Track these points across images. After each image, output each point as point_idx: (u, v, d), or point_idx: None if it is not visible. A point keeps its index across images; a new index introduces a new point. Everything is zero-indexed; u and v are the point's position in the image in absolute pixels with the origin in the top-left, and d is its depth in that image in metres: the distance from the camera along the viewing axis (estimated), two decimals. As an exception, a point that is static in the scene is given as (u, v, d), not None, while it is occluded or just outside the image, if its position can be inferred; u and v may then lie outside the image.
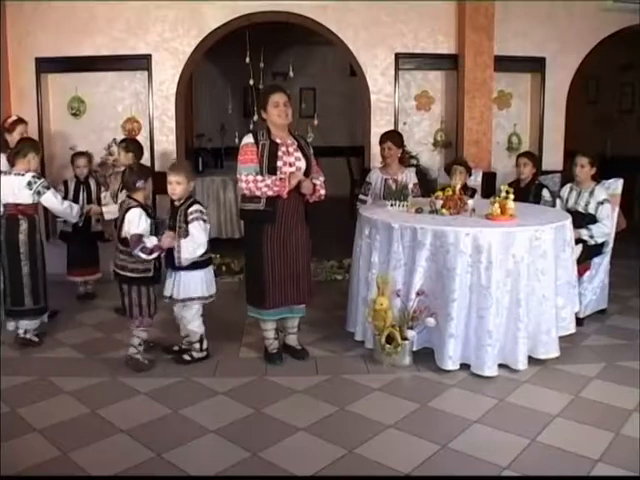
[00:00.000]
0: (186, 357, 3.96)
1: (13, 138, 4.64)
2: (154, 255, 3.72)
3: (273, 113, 3.76)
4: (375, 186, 5.09)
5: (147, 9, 6.07)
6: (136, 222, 3.71)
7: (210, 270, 3.98)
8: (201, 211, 3.81)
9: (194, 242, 3.74)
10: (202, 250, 3.77)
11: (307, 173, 3.83)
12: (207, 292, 3.92)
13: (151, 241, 3.70)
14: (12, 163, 4.33)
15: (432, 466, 2.79)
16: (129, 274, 3.78)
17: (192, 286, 3.85)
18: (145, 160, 6.06)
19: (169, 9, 6.09)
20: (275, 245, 3.81)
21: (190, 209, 3.78)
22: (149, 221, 3.76)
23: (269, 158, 3.72)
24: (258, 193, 3.71)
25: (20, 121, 4.77)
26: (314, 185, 3.84)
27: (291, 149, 3.81)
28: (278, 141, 3.78)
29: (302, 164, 3.81)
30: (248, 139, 3.80)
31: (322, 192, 3.91)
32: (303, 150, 3.85)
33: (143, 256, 3.68)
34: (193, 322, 3.91)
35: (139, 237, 3.68)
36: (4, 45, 5.94)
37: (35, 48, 6.04)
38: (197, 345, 3.95)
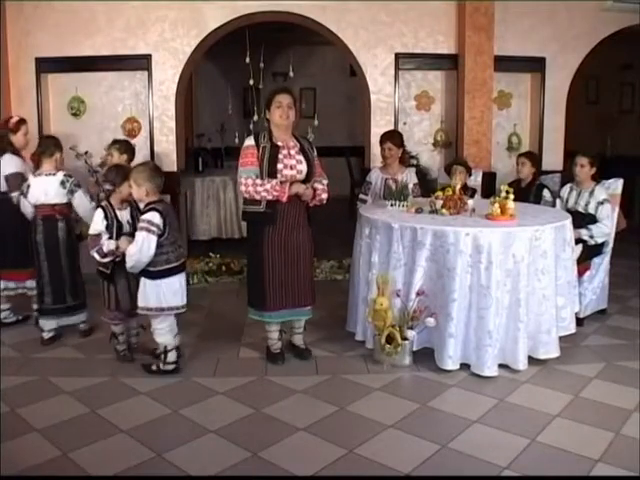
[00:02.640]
0: (153, 367, 3.79)
1: (17, 138, 4.66)
2: (108, 259, 3.75)
3: (275, 113, 3.75)
4: (375, 186, 5.09)
5: (147, 9, 6.06)
6: (94, 221, 3.77)
7: (170, 281, 3.64)
8: (149, 221, 3.54)
9: (129, 250, 3.57)
10: (132, 262, 3.56)
11: (309, 176, 3.82)
12: (167, 304, 3.64)
13: (108, 245, 3.72)
14: (38, 163, 4.35)
15: (432, 466, 2.78)
16: (98, 267, 3.89)
17: (158, 295, 3.62)
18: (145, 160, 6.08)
19: (169, 9, 6.08)
20: (276, 247, 3.79)
21: (143, 216, 3.60)
22: (105, 223, 3.75)
23: (269, 161, 3.71)
24: (257, 197, 3.70)
25: (23, 121, 4.79)
26: (315, 190, 3.82)
27: (293, 152, 3.78)
28: (279, 144, 3.76)
29: (303, 167, 3.78)
30: (249, 141, 3.79)
31: (324, 196, 3.87)
32: (305, 153, 3.83)
33: (97, 257, 3.75)
34: (158, 333, 3.72)
35: (96, 237, 3.73)
36: (4, 45, 5.94)
37: (35, 48, 6.03)
38: (162, 357, 3.75)
